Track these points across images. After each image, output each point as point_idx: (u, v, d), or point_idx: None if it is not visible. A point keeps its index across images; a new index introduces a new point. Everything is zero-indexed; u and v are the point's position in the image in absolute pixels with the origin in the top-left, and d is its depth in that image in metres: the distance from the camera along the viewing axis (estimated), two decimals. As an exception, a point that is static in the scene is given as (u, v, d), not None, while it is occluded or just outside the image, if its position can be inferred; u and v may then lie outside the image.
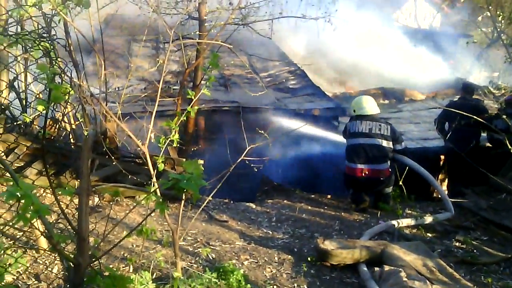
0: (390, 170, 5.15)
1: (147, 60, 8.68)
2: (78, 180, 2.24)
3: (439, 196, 5.15)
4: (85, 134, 4.85)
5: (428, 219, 4.54)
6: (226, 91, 8.69)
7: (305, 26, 6.88)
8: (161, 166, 2.32)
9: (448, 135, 6.16)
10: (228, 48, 6.49)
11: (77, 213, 1.77)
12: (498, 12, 15.15)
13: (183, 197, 2.09)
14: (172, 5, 6.74)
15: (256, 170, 4.05)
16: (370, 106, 5.28)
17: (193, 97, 2.64)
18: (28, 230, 2.70)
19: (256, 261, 3.45)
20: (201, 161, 6.00)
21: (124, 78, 6.59)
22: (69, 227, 1.83)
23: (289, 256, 3.59)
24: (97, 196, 4.07)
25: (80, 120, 5.14)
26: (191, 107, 2.58)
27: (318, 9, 7.00)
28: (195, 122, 7.15)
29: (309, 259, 3.53)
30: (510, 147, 3.92)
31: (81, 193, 1.70)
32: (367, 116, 5.23)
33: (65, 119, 4.42)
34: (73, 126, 5.10)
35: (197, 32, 6.51)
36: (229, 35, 6.62)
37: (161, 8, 6.49)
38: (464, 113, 4.72)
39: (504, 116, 5.05)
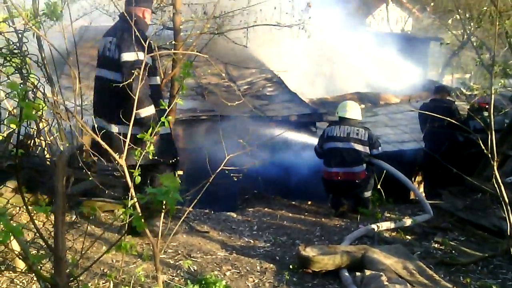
0: (366, 173, 5.27)
1: (123, 71, 8.59)
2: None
3: (417, 198, 5.23)
4: (61, 149, 4.77)
5: (408, 221, 4.60)
6: (203, 100, 8.66)
7: (280, 33, 6.91)
8: (138, 179, 2.30)
9: (423, 137, 6.27)
10: (204, 57, 6.49)
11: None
12: (467, 15, 15.55)
13: (163, 209, 2.08)
14: (147, 16, 6.70)
15: (235, 179, 4.05)
16: (353, 111, 5.43)
17: (166, 107, 2.64)
18: (4, 250, 2.64)
19: (238, 271, 3.44)
20: (180, 172, 5.98)
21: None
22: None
23: (271, 265, 3.59)
24: (74, 211, 4.00)
25: (56, 135, 5.05)
26: (165, 117, 2.56)
27: (292, 16, 7.05)
28: (173, 132, 7.10)
29: (291, 266, 3.54)
30: (483, 147, 4.01)
31: (56, 211, 1.68)
32: (346, 120, 5.35)
33: (40, 134, 4.34)
34: (48, 141, 5.01)
35: (172, 42, 6.48)
36: (205, 44, 6.62)
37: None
38: (436, 115, 4.82)
39: (482, 116, 5.15)
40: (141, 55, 3.46)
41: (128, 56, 3.48)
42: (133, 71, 3.20)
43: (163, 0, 6.58)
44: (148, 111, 3.55)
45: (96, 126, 3.48)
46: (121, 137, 2.78)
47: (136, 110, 3.12)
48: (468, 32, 15.44)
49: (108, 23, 6.66)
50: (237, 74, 9.63)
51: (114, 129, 3.56)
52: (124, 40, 3.51)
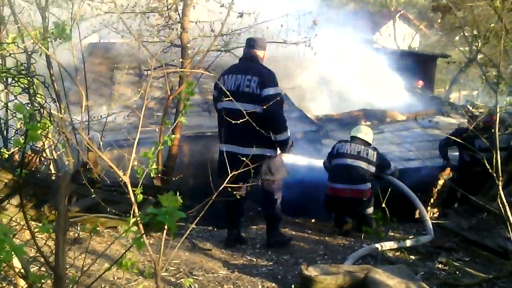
0: (371, 191, 5.29)
1: (130, 87, 8.72)
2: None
3: (422, 218, 5.20)
4: (66, 165, 4.82)
5: (408, 242, 4.57)
6: (210, 116, 8.73)
7: (286, 51, 6.96)
8: (139, 197, 2.33)
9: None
10: (212, 73, 6.58)
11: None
12: (474, 32, 15.58)
13: (165, 227, 2.10)
14: (155, 33, 6.81)
15: (239, 197, 4.07)
16: (368, 134, 5.56)
17: (169, 126, 2.68)
18: (5, 268, 2.66)
19: (239, 290, 3.43)
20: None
21: (107, 106, 6.60)
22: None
23: (273, 284, 3.58)
24: (77, 227, 4.03)
25: (62, 151, 5.11)
26: (168, 136, 2.60)
27: (299, 34, 7.11)
28: (179, 148, 7.15)
29: (293, 286, 3.52)
30: (488, 166, 4.00)
31: (58, 231, 1.70)
32: (358, 139, 5.41)
33: (46, 150, 4.40)
34: (54, 158, 5.07)
35: (180, 59, 6.57)
36: (212, 61, 6.71)
37: (144, 37, 6.56)
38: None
39: (486, 136, 5.13)
40: (279, 90, 4.34)
41: (271, 91, 4.27)
42: (274, 103, 4.15)
43: (171, 18, 6.69)
44: (287, 133, 4.40)
45: (225, 151, 4.14)
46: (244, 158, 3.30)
47: (279, 133, 4.34)
48: (476, 49, 15.48)
49: (115, 39, 6.80)
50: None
51: (246, 151, 4.19)
52: (265, 78, 4.31)
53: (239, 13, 6.65)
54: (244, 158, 3.62)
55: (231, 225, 4.67)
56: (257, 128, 3.93)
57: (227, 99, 3.92)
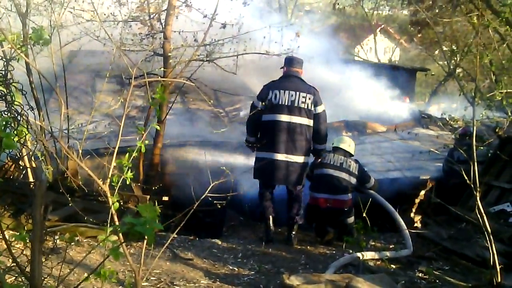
0: (352, 200, 5.32)
1: (112, 95, 8.63)
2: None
3: (401, 230, 5.22)
4: (45, 174, 4.73)
5: (389, 254, 4.60)
6: (192, 125, 8.70)
7: (269, 62, 7.00)
8: (116, 206, 2.29)
9: None
10: (194, 83, 6.58)
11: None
12: (453, 47, 15.93)
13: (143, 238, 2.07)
14: (137, 42, 6.78)
15: (220, 206, 4.04)
16: (350, 145, 5.65)
17: (143, 132, 2.66)
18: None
19: (220, 300, 3.40)
20: (165, 198, 5.96)
21: (88, 114, 6.52)
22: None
23: (255, 294, 3.56)
24: (56, 237, 3.94)
25: (41, 159, 5.02)
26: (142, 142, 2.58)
27: (281, 46, 7.17)
28: (160, 157, 7.09)
29: (274, 296, 3.51)
30: (466, 178, 4.06)
31: (34, 240, 1.67)
32: (341, 150, 5.46)
33: (24, 158, 4.32)
34: (33, 165, 4.97)
35: (162, 69, 6.54)
36: (194, 71, 6.70)
37: (126, 45, 6.52)
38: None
39: (465, 148, 5.22)
40: (324, 107, 5.11)
41: (322, 108, 5.08)
42: (324, 118, 5.08)
43: (153, 27, 6.67)
44: (326, 144, 5.28)
45: (275, 159, 4.99)
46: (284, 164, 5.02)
47: (322, 144, 5.21)
48: (455, 63, 15.81)
49: (97, 48, 6.73)
50: (226, 101, 9.73)
51: (296, 159, 5.01)
52: (318, 97, 5.05)
53: (222, 24, 6.68)
54: (294, 166, 4.97)
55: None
56: (307, 139, 4.98)
57: (279, 112, 4.92)
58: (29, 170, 4.30)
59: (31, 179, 4.86)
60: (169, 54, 6.49)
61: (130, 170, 2.50)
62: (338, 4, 16.29)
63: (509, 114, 6.74)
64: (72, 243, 3.54)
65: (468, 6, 11.55)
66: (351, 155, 5.57)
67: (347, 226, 5.33)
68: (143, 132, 2.73)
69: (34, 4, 5.68)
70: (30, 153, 4.08)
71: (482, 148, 6.10)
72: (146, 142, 2.61)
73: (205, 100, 8.50)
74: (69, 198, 3.00)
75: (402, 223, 5.13)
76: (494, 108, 6.92)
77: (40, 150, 4.85)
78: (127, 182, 2.48)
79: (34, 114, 4.40)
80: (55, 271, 2.68)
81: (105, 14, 6.53)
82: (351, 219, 5.35)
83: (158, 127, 2.85)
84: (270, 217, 5.16)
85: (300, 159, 5.03)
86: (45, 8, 5.89)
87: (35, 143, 4.36)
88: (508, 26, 7.79)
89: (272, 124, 5.01)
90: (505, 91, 6.83)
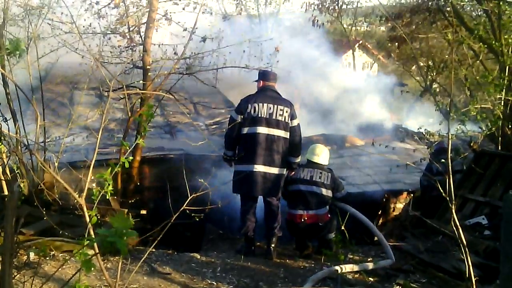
0: (329, 215, 5.30)
1: (90, 108, 8.53)
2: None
3: (380, 242, 5.26)
4: (21, 186, 4.65)
5: (370, 265, 4.63)
6: (171, 138, 8.67)
7: (249, 76, 7.05)
8: (94, 219, 2.26)
9: None
10: (174, 96, 6.58)
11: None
12: (429, 63, 16.28)
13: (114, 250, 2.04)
14: (116, 54, 6.75)
15: (197, 219, 4.01)
16: (322, 156, 5.54)
17: (127, 148, 2.64)
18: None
19: (198, 315, 3.35)
20: (143, 211, 5.89)
21: (65, 127, 6.43)
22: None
23: (233, 308, 3.53)
24: (30, 251, 3.85)
25: (17, 172, 4.92)
26: (126, 158, 2.56)
27: (261, 60, 7.23)
28: (139, 170, 7.03)
29: (253, 310, 3.48)
30: (441, 191, 4.12)
31: (4, 253, 1.63)
32: (313, 163, 5.41)
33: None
34: (8, 177, 4.87)
35: (141, 81, 6.52)
36: (174, 84, 6.69)
37: (105, 57, 6.48)
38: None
39: (442, 160, 5.27)
40: (299, 120, 5.24)
41: (297, 121, 5.19)
42: (299, 131, 5.17)
43: (132, 40, 6.66)
44: (300, 157, 5.30)
45: (254, 171, 5.02)
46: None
47: (298, 156, 5.23)
48: (431, 78, 16.15)
49: (76, 60, 6.68)
50: (206, 114, 9.74)
51: (273, 171, 5.08)
52: (293, 111, 5.17)
53: (201, 37, 6.71)
54: (272, 177, 5.05)
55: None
56: (284, 151, 5.05)
57: (258, 125, 4.99)
58: (3, 182, 4.21)
59: (5, 192, 4.76)
60: (148, 67, 6.47)
61: (108, 184, 2.48)
62: (317, 20, 16.50)
63: (483, 128, 6.92)
64: (46, 257, 3.47)
65: (443, 23, 11.85)
66: (324, 165, 5.52)
67: (327, 241, 5.32)
68: (128, 148, 2.71)
69: (11, 14, 5.62)
70: (4, 165, 4.00)
71: (458, 158, 6.22)
72: (130, 158, 2.59)
73: (186, 112, 8.51)
74: (45, 212, 2.94)
75: (380, 234, 5.16)
76: (469, 123, 7.07)
77: (15, 163, 4.76)
78: (107, 197, 2.45)
79: (8, 126, 4.34)
80: (28, 284, 2.62)
81: (83, 26, 6.50)
82: (332, 235, 5.30)
83: (143, 144, 2.83)
84: (249, 235, 5.20)
85: (278, 170, 5.11)
86: (22, 19, 5.83)
87: (9, 155, 4.29)
88: (481, 43, 8.01)
89: (252, 136, 5.05)
90: (479, 106, 7.03)
